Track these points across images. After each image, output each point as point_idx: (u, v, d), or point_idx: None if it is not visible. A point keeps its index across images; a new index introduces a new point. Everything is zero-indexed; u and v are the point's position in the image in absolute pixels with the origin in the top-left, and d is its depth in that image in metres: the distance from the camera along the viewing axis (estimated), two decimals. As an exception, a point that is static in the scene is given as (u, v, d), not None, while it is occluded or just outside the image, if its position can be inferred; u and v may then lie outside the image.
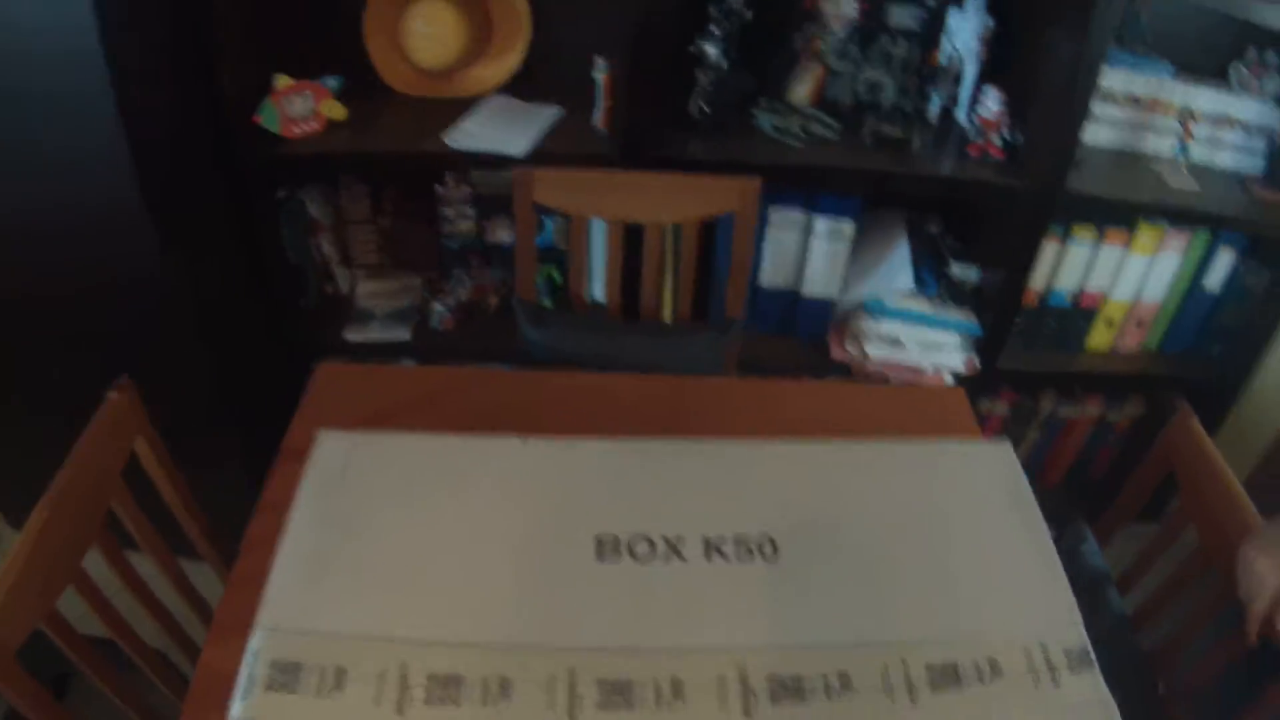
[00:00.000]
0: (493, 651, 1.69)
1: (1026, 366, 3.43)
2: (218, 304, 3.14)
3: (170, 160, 2.78)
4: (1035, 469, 3.84)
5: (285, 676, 1.63)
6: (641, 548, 1.87)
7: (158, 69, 2.69)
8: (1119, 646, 2.02)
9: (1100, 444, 3.84)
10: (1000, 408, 3.69)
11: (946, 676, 1.69)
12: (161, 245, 2.77)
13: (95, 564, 1.96)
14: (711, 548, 1.88)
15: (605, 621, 1.76)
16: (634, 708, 1.62)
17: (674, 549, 1.87)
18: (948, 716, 1.65)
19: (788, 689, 1.65)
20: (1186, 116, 3.19)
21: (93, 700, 2.04)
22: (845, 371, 3.35)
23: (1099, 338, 3.48)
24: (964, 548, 1.95)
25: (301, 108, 3.01)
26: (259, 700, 1.60)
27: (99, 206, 2.70)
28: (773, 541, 1.90)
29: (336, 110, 3.07)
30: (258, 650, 1.66)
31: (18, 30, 2.42)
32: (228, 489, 2.52)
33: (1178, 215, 3.15)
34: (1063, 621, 1.80)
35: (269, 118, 2.99)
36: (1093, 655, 1.74)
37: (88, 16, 2.37)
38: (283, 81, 2.97)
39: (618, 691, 1.64)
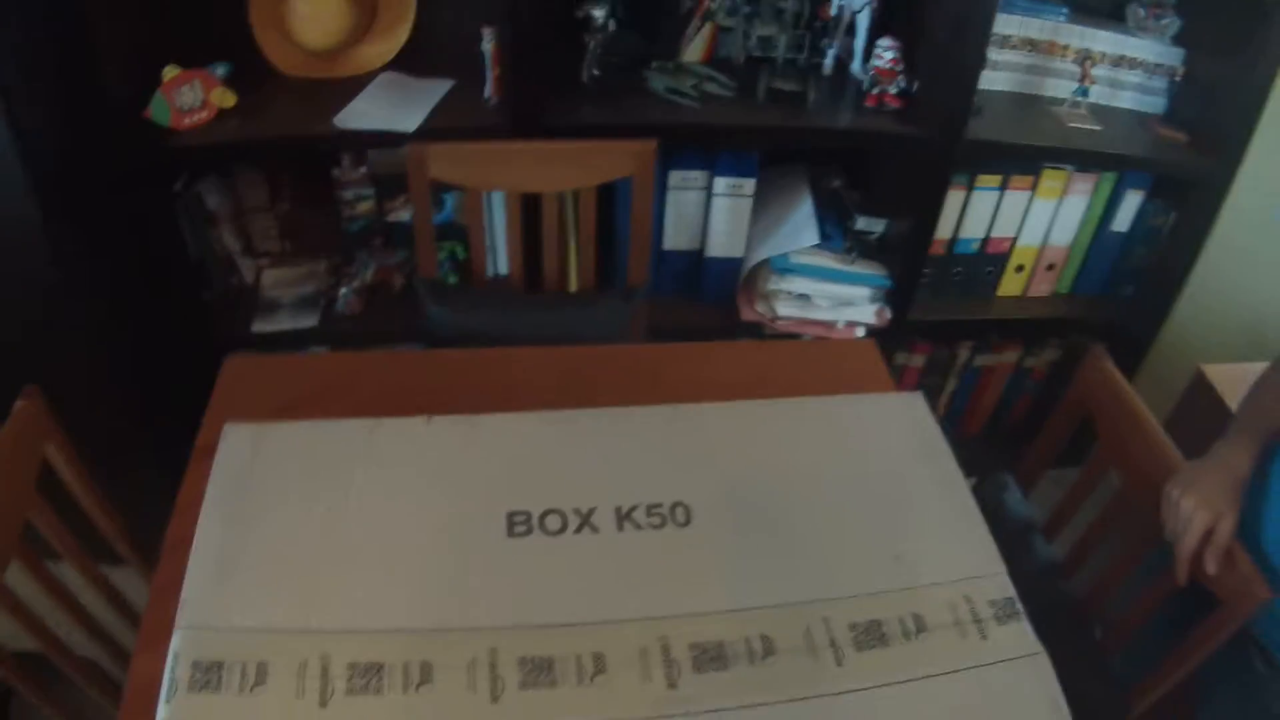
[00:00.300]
0: (412, 636, 1.68)
1: (939, 316, 3.44)
2: (121, 305, 3.11)
3: (62, 166, 2.75)
4: (955, 419, 3.87)
5: (207, 676, 1.60)
6: (553, 521, 1.85)
7: (39, 76, 2.65)
8: (1049, 593, 2.02)
9: (1019, 390, 3.87)
10: (916, 359, 3.70)
11: (871, 634, 1.69)
12: (57, 251, 2.75)
13: (17, 578, 1.94)
14: (623, 517, 1.86)
15: (522, 599, 1.74)
16: (557, 685, 1.61)
17: (586, 520, 1.86)
18: (874, 674, 1.64)
19: (710, 656, 1.65)
20: (1085, 58, 3.19)
21: (34, 716, 2.02)
22: (756, 332, 3.34)
23: (1010, 284, 3.49)
24: (882, 503, 1.95)
25: (191, 98, 2.96)
26: (182, 702, 1.57)
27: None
28: (685, 507, 1.89)
29: (226, 98, 3.03)
30: (178, 652, 1.63)
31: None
32: (146, 491, 2.49)
33: (1081, 158, 3.17)
34: (987, 572, 1.81)
35: (159, 111, 2.94)
36: (1019, 605, 1.74)
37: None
38: (170, 73, 2.92)
39: (539, 669, 1.63)
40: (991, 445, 3.81)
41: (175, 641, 1.64)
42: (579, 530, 1.84)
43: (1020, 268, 3.44)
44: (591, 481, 1.94)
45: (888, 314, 3.26)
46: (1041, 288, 3.52)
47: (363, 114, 3.03)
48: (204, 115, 2.99)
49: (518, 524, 1.85)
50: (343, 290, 3.44)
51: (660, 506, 1.88)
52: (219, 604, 1.71)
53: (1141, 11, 3.20)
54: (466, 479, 1.96)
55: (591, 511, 1.87)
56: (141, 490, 2.51)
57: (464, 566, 1.80)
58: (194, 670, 1.60)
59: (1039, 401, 3.87)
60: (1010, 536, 1.87)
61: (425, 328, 2.89)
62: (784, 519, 1.90)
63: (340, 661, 1.63)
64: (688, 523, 1.86)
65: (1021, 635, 1.70)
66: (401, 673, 1.62)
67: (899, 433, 2.10)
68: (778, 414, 2.14)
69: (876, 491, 1.97)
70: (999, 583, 1.78)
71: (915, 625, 1.70)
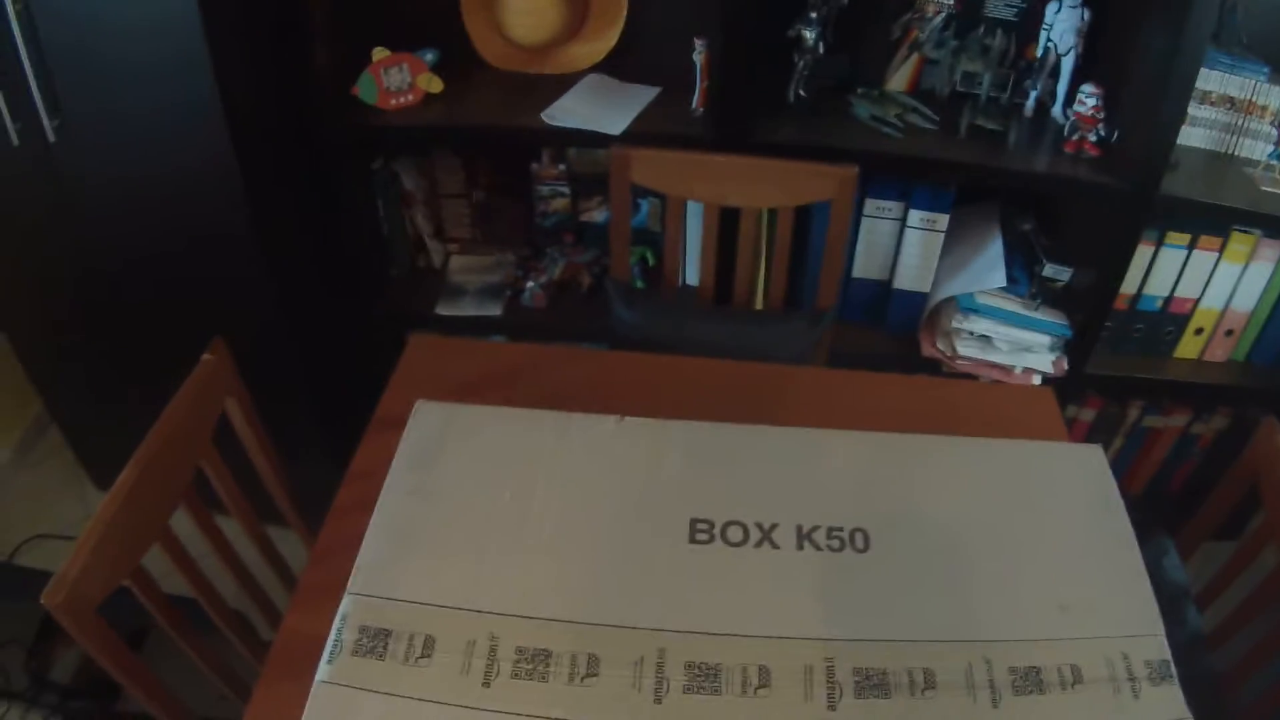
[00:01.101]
0: (582, 628, 1.70)
1: (1114, 371, 3.38)
2: (310, 272, 3.19)
3: (266, 129, 2.83)
4: (1117, 477, 3.77)
5: (373, 642, 1.65)
6: (734, 533, 1.88)
7: (254, 39, 2.73)
8: (1193, 664, 2.02)
9: (1183, 456, 3.79)
10: (1087, 414, 3.65)
11: (1029, 680, 1.69)
12: (255, 212, 2.82)
13: (181, 523, 1.99)
14: (804, 536, 1.88)
15: (696, 605, 1.76)
16: (720, 693, 1.63)
17: (767, 536, 1.88)
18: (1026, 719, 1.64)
19: (873, 683, 1.66)
20: (1283, 121, 3.16)
21: (167, 656, 2.06)
22: (935, 368, 3.33)
23: (1187, 346, 3.43)
24: (1052, 551, 1.94)
25: (398, 80, 3.03)
26: (346, 664, 1.62)
27: (195, 172, 2.76)
28: (864, 533, 1.90)
29: (433, 84, 3.09)
30: (347, 615, 1.68)
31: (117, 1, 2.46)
32: (312, 456, 2.55)
33: (1272, 223, 3.10)
34: (1146, 632, 1.79)
35: (366, 89, 3.01)
36: (1174, 669, 1.73)
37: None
38: (380, 54, 2.99)
39: (705, 676, 1.64)
40: (1149, 507, 3.75)
41: (345, 605, 1.69)
42: (759, 544, 1.86)
43: (1200, 330, 3.38)
44: (776, 497, 1.96)
45: (1065, 364, 3.23)
46: (1218, 353, 3.45)
47: (570, 111, 3.06)
48: (410, 98, 3.06)
49: (700, 531, 1.88)
50: (530, 283, 3.48)
51: (841, 530, 1.90)
52: (394, 573, 1.77)
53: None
54: (653, 481, 1.99)
55: (774, 527, 1.89)
56: (303, 455, 2.56)
57: (642, 566, 1.82)
58: (361, 634, 1.65)
59: (1201, 469, 3.79)
60: (1164, 601, 1.87)
61: (611, 328, 2.93)
62: (957, 555, 1.90)
63: (509, 644, 1.66)
64: (866, 548, 1.87)
65: (1173, 699, 1.69)
66: (569, 662, 1.65)
67: (1076, 483, 2.09)
68: (961, 451, 2.14)
69: (1049, 538, 1.96)
70: (1157, 644, 1.76)
71: (1072, 676, 1.70)
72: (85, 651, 1.73)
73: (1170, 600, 2.09)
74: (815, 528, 1.90)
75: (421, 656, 1.64)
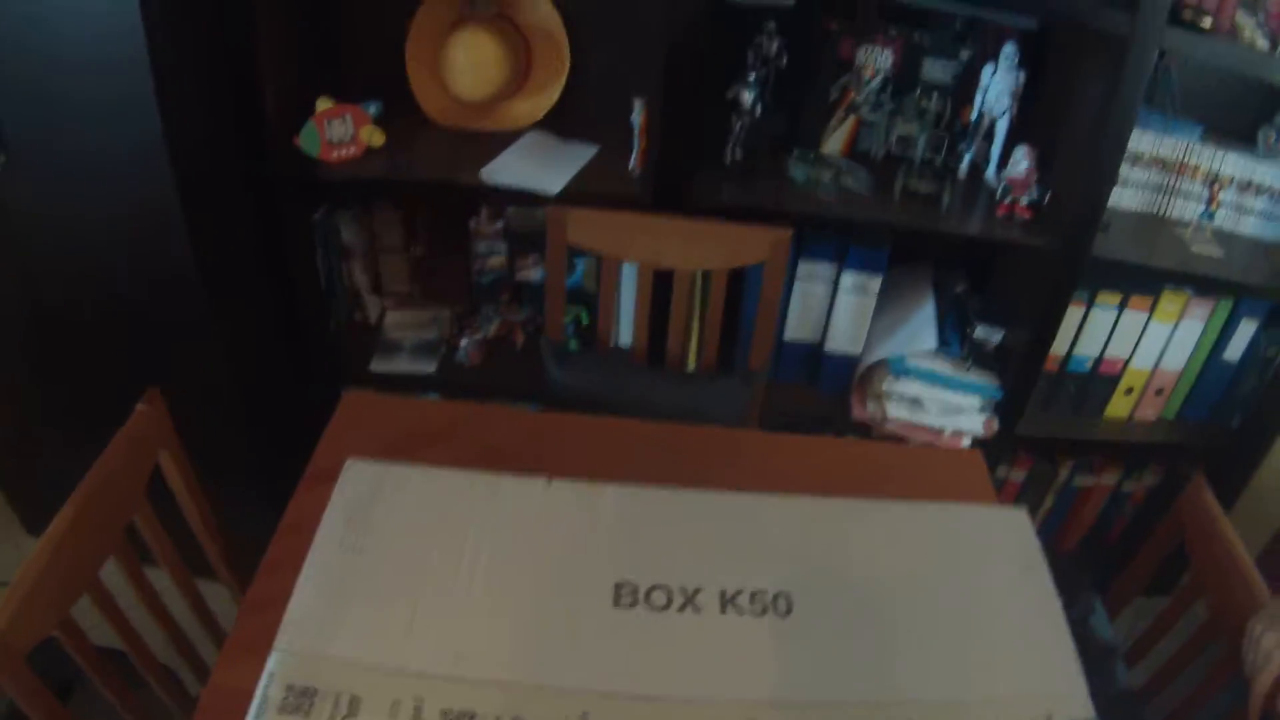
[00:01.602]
0: (508, 690, 1.71)
1: (1044, 432, 3.42)
2: (247, 323, 3.17)
3: (209, 172, 2.82)
4: (1048, 535, 3.79)
5: (299, 700, 1.65)
6: (658, 597, 1.89)
7: (201, 82, 2.73)
8: (1124, 719, 2.04)
9: (1115, 513, 3.83)
10: (1017, 474, 3.68)
11: None
12: (198, 256, 2.81)
13: (110, 574, 1.98)
14: (727, 601, 1.90)
15: (620, 667, 1.77)
16: None
17: (690, 600, 1.89)
18: (953, 781, 1.66)
19: None
20: (1213, 181, 3.20)
21: (95, 708, 2.06)
22: (864, 429, 3.35)
23: (1118, 405, 3.47)
24: (975, 613, 1.97)
25: (341, 131, 3.03)
26: (271, 721, 1.61)
27: (139, 213, 2.74)
28: (788, 597, 1.91)
29: (375, 136, 3.10)
30: (274, 672, 1.68)
31: (65, 36, 2.47)
32: (244, 508, 2.54)
33: (1202, 283, 3.15)
34: (1069, 694, 1.82)
35: (309, 140, 3.01)
36: (1098, 728, 1.74)
37: (135, 26, 2.41)
38: (324, 104, 3.00)
39: None
40: (1082, 565, 3.78)
41: (272, 661, 1.69)
42: (683, 609, 1.87)
43: (1130, 390, 3.42)
44: (700, 562, 1.97)
45: (995, 425, 3.25)
46: (1148, 412, 3.49)
47: (509, 169, 3.07)
48: (352, 150, 3.06)
49: (624, 595, 1.89)
50: (464, 341, 3.49)
51: (764, 594, 1.91)
52: (322, 630, 1.77)
53: (1273, 136, 3.20)
54: (580, 544, 2.00)
55: (697, 591, 1.90)
56: (235, 507, 2.56)
57: (567, 629, 1.83)
58: (287, 693, 1.65)
59: (1134, 525, 3.83)
60: (1092, 659, 1.89)
61: (544, 387, 2.93)
62: (881, 618, 1.92)
63: (434, 706, 1.66)
64: (789, 612, 1.89)
65: (1097, 758, 1.71)
66: None
67: (1000, 545, 2.12)
68: (888, 515, 2.17)
69: (972, 600, 1.99)
70: (1081, 702, 1.79)
71: (998, 735, 1.72)
72: (12, 700, 1.73)
73: (1099, 658, 2.12)
74: (739, 592, 1.92)
75: (347, 717, 1.63)
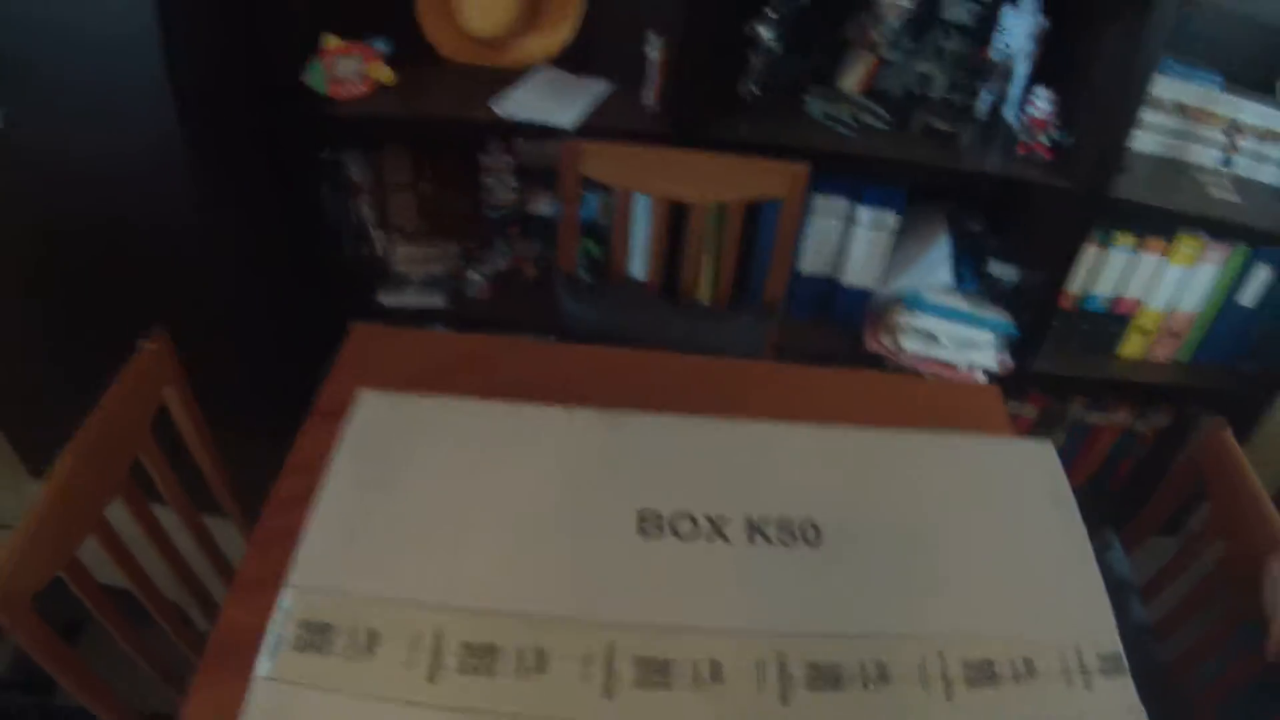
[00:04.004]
0: (530, 622, 1.68)
1: (1058, 370, 3.40)
2: (253, 258, 3.16)
3: (214, 110, 2.80)
4: (1057, 473, 3.81)
5: (315, 637, 1.62)
6: (684, 525, 1.86)
7: (206, 19, 2.71)
8: (1139, 656, 2.02)
9: (1124, 453, 3.83)
10: (1029, 410, 3.68)
11: (983, 673, 1.68)
12: (201, 196, 2.80)
13: (116, 512, 1.96)
14: (755, 529, 1.87)
15: (646, 598, 1.75)
16: (671, 688, 1.61)
17: (717, 529, 1.86)
18: (982, 712, 1.64)
19: (825, 677, 1.65)
20: (1233, 129, 3.18)
21: (103, 649, 2.03)
22: (879, 364, 3.34)
23: (1132, 346, 3.46)
24: (1003, 545, 1.94)
25: (349, 69, 3.00)
26: (286, 659, 1.59)
27: (142, 150, 2.72)
28: (815, 526, 1.89)
29: (384, 74, 3.07)
30: (288, 609, 1.65)
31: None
32: (252, 443, 2.52)
33: (1218, 227, 3.13)
34: (1097, 626, 1.80)
35: (316, 78, 2.99)
36: (1125, 662, 1.74)
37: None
38: (331, 42, 2.97)
39: (656, 670, 1.63)
40: (1086, 503, 3.76)
41: (286, 598, 1.66)
42: (710, 538, 1.84)
43: (1144, 331, 3.41)
44: (726, 490, 1.94)
45: (1010, 362, 3.25)
46: (1162, 353, 3.48)
47: (521, 104, 3.05)
48: (361, 88, 3.04)
49: (649, 524, 1.85)
50: (474, 275, 3.48)
51: (792, 523, 1.88)
52: (336, 566, 1.73)
53: (1291, 85, 3.19)
54: (601, 473, 1.96)
55: (724, 520, 1.87)
56: (242, 444, 2.54)
57: (591, 560, 1.80)
58: (302, 629, 1.62)
59: (1142, 466, 3.83)
60: (1110, 594, 1.87)
61: (554, 320, 2.91)
62: (909, 550, 1.89)
63: (454, 638, 1.63)
64: (817, 542, 1.86)
65: (1124, 691, 1.69)
66: (515, 657, 1.62)
67: (1028, 478, 2.09)
68: (913, 446, 2.13)
69: (1000, 533, 1.96)
70: (1109, 637, 1.77)
71: (1026, 669, 1.70)
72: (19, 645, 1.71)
73: (1116, 593, 2.10)
74: (766, 521, 1.88)
75: (365, 651, 1.61)
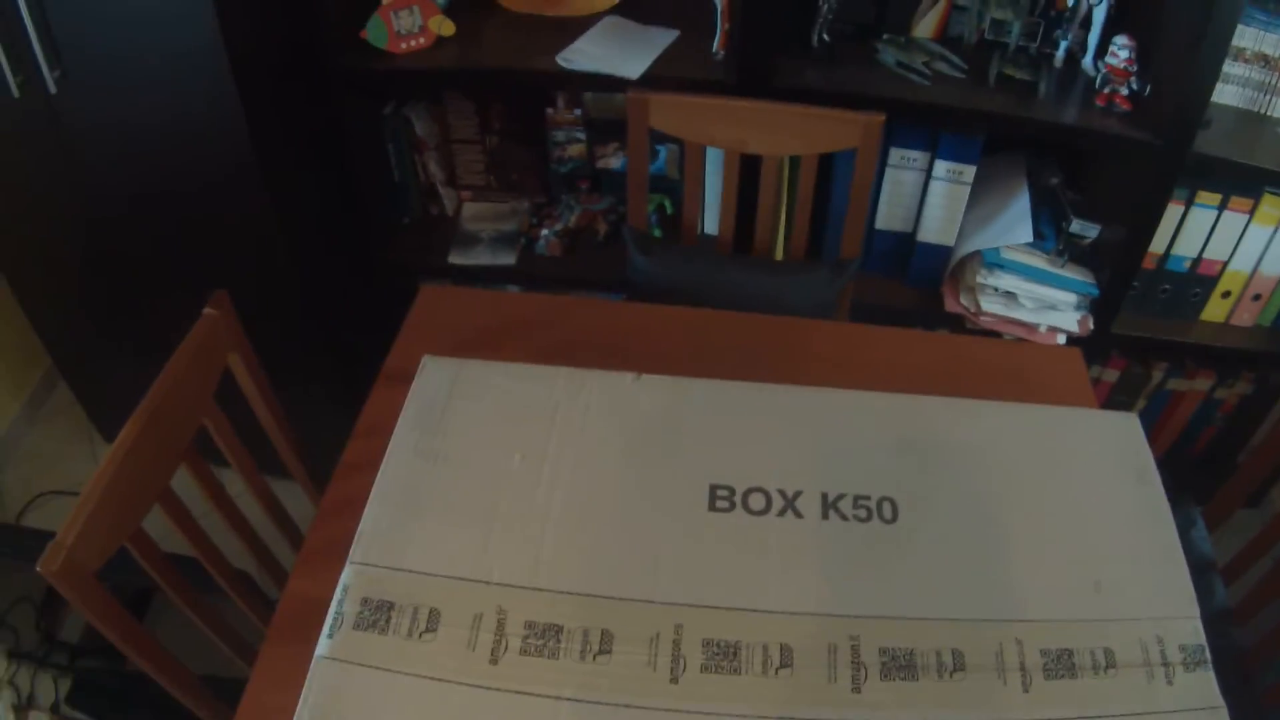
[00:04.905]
0: (595, 602, 1.66)
1: (1140, 332, 3.33)
2: (317, 220, 3.17)
3: (271, 74, 2.81)
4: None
5: (375, 615, 1.61)
6: (757, 500, 1.81)
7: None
8: (1217, 640, 1.97)
9: (1205, 421, 3.73)
10: (1110, 374, 3.60)
11: (1061, 663, 1.64)
12: (261, 159, 2.79)
13: (183, 482, 1.95)
14: (829, 505, 1.82)
15: (715, 577, 1.71)
16: (740, 673, 1.58)
17: (790, 504, 1.81)
18: (1060, 706, 1.60)
19: (899, 664, 1.61)
20: (1319, 82, 3.08)
21: (171, 619, 2.04)
22: (957, 323, 3.29)
23: (1214, 309, 3.37)
24: (1085, 525, 1.88)
25: (409, 22, 2.97)
26: (347, 638, 1.58)
27: (199, 119, 2.73)
28: (892, 503, 1.84)
29: (445, 26, 3.03)
30: (349, 586, 1.64)
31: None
32: (318, 409, 2.51)
33: (1303, 187, 3.03)
34: (1181, 614, 1.74)
35: (375, 32, 2.96)
36: (1208, 654, 1.68)
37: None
38: (389, -5, 2.93)
39: (724, 654, 1.60)
40: (1167, 476, 3.69)
41: (346, 575, 1.65)
42: (783, 513, 1.80)
43: (1227, 293, 3.32)
44: (800, 463, 1.89)
45: (1090, 323, 3.17)
46: (1244, 317, 3.39)
47: (586, 54, 3.00)
48: (421, 41, 3.01)
49: (720, 498, 1.81)
50: (544, 231, 3.45)
51: (868, 499, 1.83)
52: (398, 543, 1.72)
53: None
54: (671, 444, 1.93)
55: (797, 495, 1.82)
56: (310, 408, 2.52)
57: (659, 536, 1.77)
58: (363, 607, 1.61)
59: (1222, 435, 3.74)
60: (1191, 575, 1.81)
61: (627, 278, 2.89)
62: (988, 528, 1.84)
63: (517, 619, 1.62)
64: (894, 519, 1.81)
65: (1206, 686, 1.64)
66: (581, 638, 1.60)
67: (1111, 453, 2.02)
68: (992, 417, 2.07)
69: (1082, 511, 1.90)
70: (1192, 627, 1.71)
71: (1105, 660, 1.65)
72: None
73: (1197, 573, 2.04)
74: (841, 496, 1.83)
75: (426, 631, 1.60)
